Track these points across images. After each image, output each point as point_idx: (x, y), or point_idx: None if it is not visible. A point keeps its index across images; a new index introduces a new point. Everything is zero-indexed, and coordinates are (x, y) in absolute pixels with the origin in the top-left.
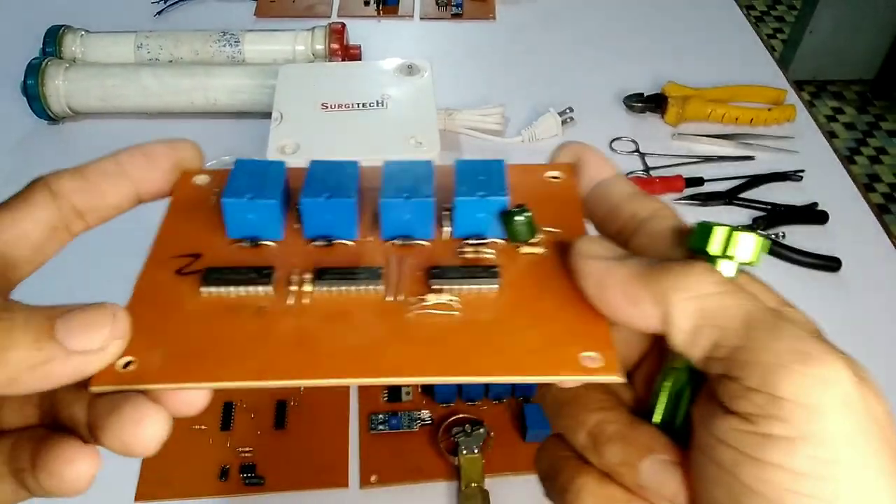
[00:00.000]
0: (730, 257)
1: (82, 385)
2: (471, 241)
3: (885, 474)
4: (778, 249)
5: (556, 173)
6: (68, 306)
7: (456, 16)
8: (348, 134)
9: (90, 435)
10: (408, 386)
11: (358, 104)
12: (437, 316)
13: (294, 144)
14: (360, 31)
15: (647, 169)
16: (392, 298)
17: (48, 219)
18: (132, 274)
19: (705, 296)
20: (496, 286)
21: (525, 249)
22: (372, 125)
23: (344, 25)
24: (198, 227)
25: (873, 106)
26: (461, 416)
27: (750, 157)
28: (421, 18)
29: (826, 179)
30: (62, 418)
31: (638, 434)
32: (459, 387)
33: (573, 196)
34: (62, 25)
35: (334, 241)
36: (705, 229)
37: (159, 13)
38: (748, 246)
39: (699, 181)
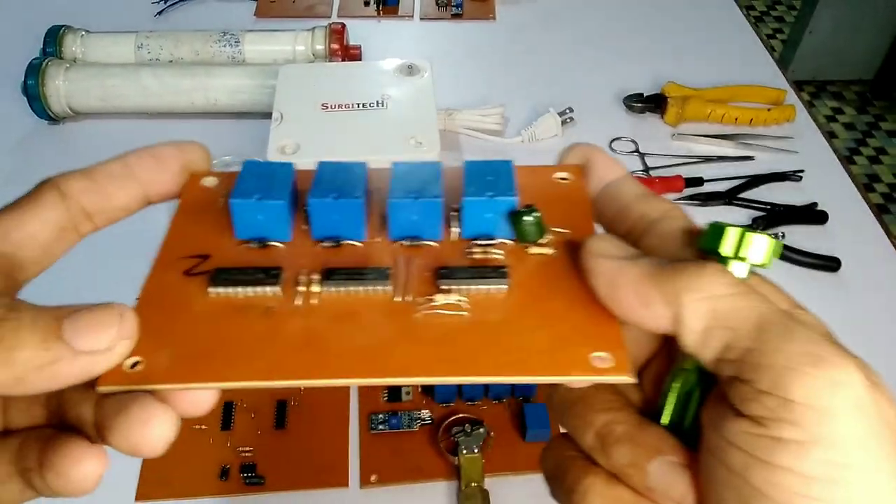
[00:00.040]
0: (742, 259)
1: (89, 385)
2: (479, 242)
3: None
4: None
5: (564, 174)
6: (75, 306)
7: (456, 16)
8: (348, 134)
9: (97, 435)
10: (408, 385)
11: (358, 104)
12: (445, 316)
13: (294, 144)
14: (360, 31)
15: (646, 169)
16: (400, 299)
17: (56, 220)
18: (135, 274)
19: (717, 297)
20: (505, 286)
21: (534, 250)
22: (372, 125)
23: (344, 25)
24: (206, 229)
25: (873, 106)
26: (461, 415)
27: (750, 157)
28: (421, 18)
29: (826, 179)
30: (69, 418)
31: (646, 435)
32: (459, 386)
33: (582, 197)
34: (62, 25)
35: (342, 242)
36: (717, 230)
37: (159, 13)
38: (761, 248)
39: (699, 181)
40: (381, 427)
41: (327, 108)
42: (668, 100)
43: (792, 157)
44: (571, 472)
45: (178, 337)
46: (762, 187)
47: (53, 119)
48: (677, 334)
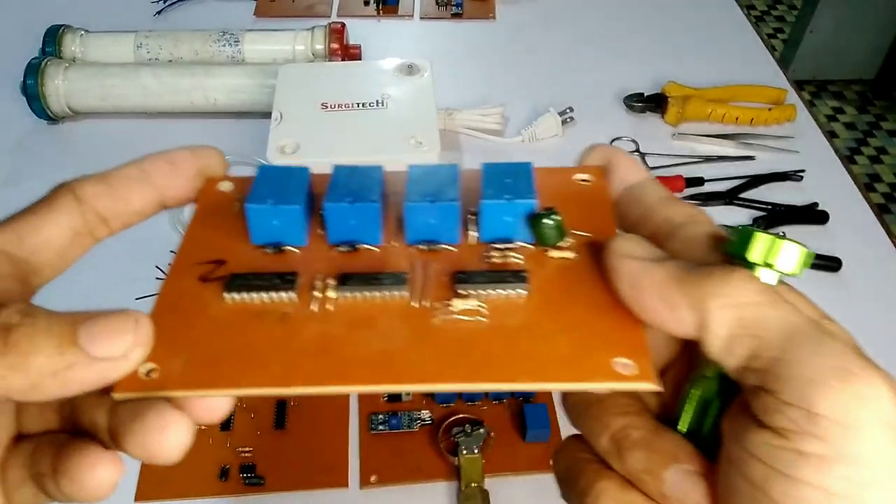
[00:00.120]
0: (770, 266)
1: (104, 391)
2: (498, 246)
3: None
4: None
5: (585, 176)
6: (91, 312)
7: (456, 15)
8: (348, 134)
9: (112, 441)
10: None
11: (358, 104)
12: (463, 322)
13: (294, 144)
14: (360, 30)
15: (647, 169)
16: (417, 304)
17: (72, 224)
18: (135, 274)
19: (745, 304)
20: (525, 291)
21: (554, 253)
22: (372, 125)
23: (344, 25)
24: (222, 234)
25: (874, 106)
26: (461, 416)
27: (750, 157)
28: (421, 18)
29: (826, 179)
30: (83, 423)
31: (663, 441)
32: None
33: (604, 199)
34: (62, 25)
35: (358, 247)
36: (746, 235)
37: (159, 13)
38: (792, 256)
39: (699, 181)
40: (381, 427)
41: (327, 107)
42: (669, 99)
43: (792, 156)
44: (584, 474)
45: (194, 343)
46: (763, 187)
47: (53, 119)
48: (701, 340)
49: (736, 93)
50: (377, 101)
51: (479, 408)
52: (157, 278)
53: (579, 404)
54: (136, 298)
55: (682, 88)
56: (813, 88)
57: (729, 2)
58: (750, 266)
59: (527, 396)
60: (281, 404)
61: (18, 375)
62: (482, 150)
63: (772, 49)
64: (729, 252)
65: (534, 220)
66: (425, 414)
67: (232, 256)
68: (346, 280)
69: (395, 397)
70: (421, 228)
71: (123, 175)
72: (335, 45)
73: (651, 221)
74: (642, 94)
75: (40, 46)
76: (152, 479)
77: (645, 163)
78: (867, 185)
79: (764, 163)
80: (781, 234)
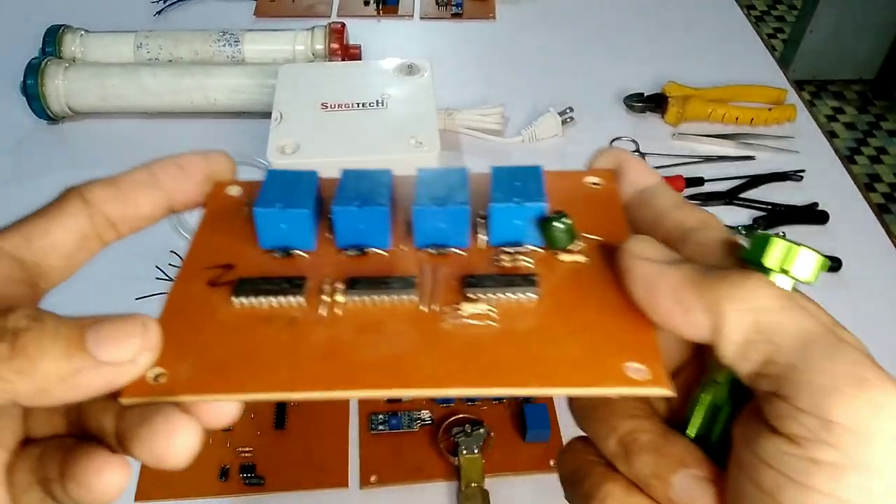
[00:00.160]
0: (786, 272)
1: (111, 395)
2: (507, 249)
3: None
4: None
5: (596, 179)
6: (99, 316)
7: (456, 15)
8: (348, 134)
9: (119, 445)
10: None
11: (358, 104)
12: (473, 326)
13: (294, 144)
14: (360, 30)
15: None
16: (426, 308)
17: (80, 228)
18: (135, 274)
19: (761, 309)
20: (535, 295)
21: (565, 257)
22: (372, 125)
23: (344, 25)
24: (230, 239)
25: (874, 106)
26: (461, 416)
27: (750, 157)
28: (421, 18)
29: (826, 179)
30: (90, 427)
31: (672, 446)
32: None
33: (615, 202)
34: (62, 25)
35: (367, 251)
36: (763, 241)
37: (159, 13)
38: (808, 264)
39: (699, 181)
40: (381, 427)
41: (327, 107)
42: (669, 99)
43: (792, 156)
44: (590, 477)
45: (202, 348)
46: (763, 187)
47: (52, 119)
48: (715, 344)
49: (736, 93)
50: (377, 101)
51: (479, 408)
52: (157, 278)
53: (586, 406)
54: (136, 298)
55: (682, 88)
56: (813, 88)
57: (729, 2)
58: (765, 271)
59: (527, 396)
60: (281, 404)
61: (26, 380)
62: (482, 151)
63: (772, 49)
64: (744, 257)
65: (544, 223)
66: (425, 414)
67: (240, 261)
68: (354, 284)
69: (394, 397)
70: (430, 232)
71: (132, 179)
72: (335, 45)
73: (662, 226)
74: (642, 94)
75: (40, 46)
76: (152, 478)
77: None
78: (867, 185)
79: (764, 163)
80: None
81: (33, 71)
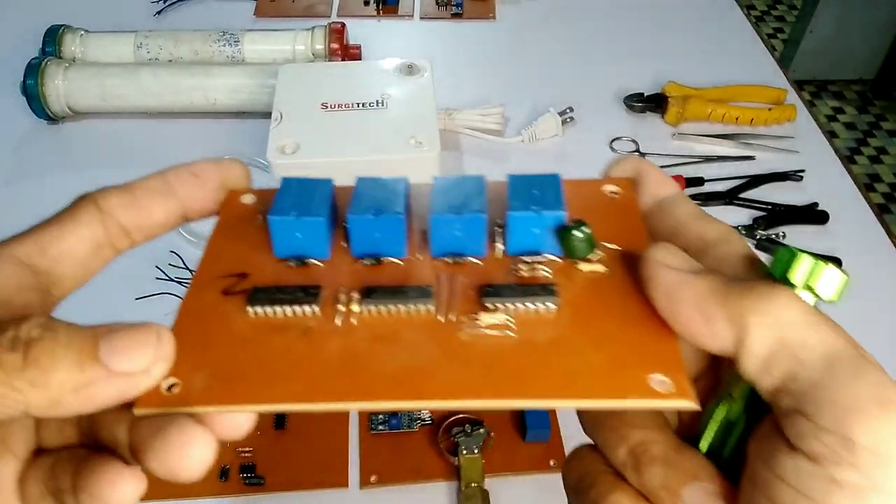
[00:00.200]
0: (811, 289)
1: (124, 405)
2: (526, 259)
3: None
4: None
5: (614, 188)
6: (111, 325)
7: (456, 15)
8: (348, 134)
9: (132, 457)
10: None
11: (358, 104)
12: (491, 336)
13: (294, 144)
14: (360, 30)
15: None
16: (443, 318)
17: (94, 235)
18: (139, 274)
19: (787, 324)
20: (554, 305)
21: (584, 267)
22: (372, 125)
23: (344, 25)
24: (244, 247)
25: (874, 106)
26: (461, 416)
27: (750, 157)
28: (421, 18)
29: (826, 179)
30: (103, 438)
31: (683, 459)
32: None
33: (634, 211)
34: (62, 25)
35: (382, 259)
36: (787, 256)
37: (159, 13)
38: (833, 282)
39: (699, 181)
40: (381, 427)
41: (327, 107)
42: (669, 99)
43: (792, 156)
44: (597, 486)
45: (216, 358)
46: (763, 187)
47: (52, 119)
48: (737, 357)
49: (736, 93)
50: (377, 101)
51: None
52: (157, 278)
53: (596, 414)
54: (136, 298)
55: (682, 88)
56: (813, 88)
57: (729, 2)
58: (789, 287)
59: None
60: None
61: (38, 391)
62: (482, 150)
63: (772, 49)
64: (769, 272)
65: (563, 232)
66: (425, 414)
67: (254, 269)
68: (370, 293)
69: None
70: (446, 241)
71: (147, 186)
72: (335, 45)
73: (682, 237)
74: (642, 94)
75: (40, 46)
76: (152, 478)
77: None
78: (867, 185)
79: (764, 163)
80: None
81: (33, 71)
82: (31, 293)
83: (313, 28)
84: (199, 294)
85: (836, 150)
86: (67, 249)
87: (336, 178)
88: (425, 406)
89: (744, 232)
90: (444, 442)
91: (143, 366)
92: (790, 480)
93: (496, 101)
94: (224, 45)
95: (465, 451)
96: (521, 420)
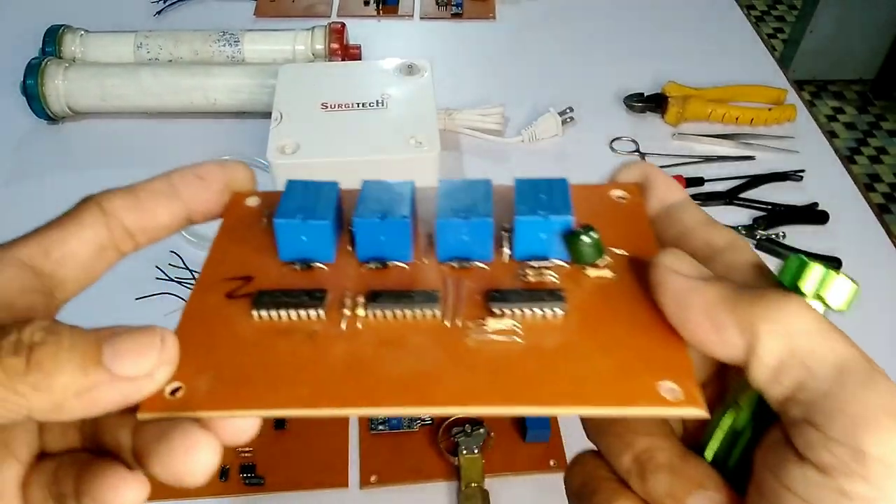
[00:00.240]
0: (821, 298)
1: (128, 409)
2: (533, 264)
3: None
4: (777, 250)
5: (622, 193)
6: (115, 328)
7: (456, 15)
8: (348, 134)
9: (136, 462)
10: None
11: (358, 104)
12: (498, 342)
13: (294, 144)
14: (360, 30)
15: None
16: (449, 323)
17: (97, 238)
18: (138, 274)
19: (799, 333)
20: (562, 311)
21: (592, 272)
22: (372, 125)
23: (344, 25)
24: (249, 250)
25: (874, 106)
26: (461, 415)
27: (750, 157)
28: (421, 18)
29: (826, 179)
30: (106, 443)
31: (689, 467)
32: None
33: (642, 217)
34: (62, 25)
35: (388, 263)
36: (798, 264)
37: (159, 13)
38: (843, 292)
39: (699, 181)
40: (381, 427)
41: (327, 107)
42: (669, 99)
43: (792, 156)
44: (600, 492)
45: (220, 362)
46: (763, 187)
47: (52, 119)
48: (747, 365)
49: (736, 93)
50: (377, 101)
51: None
52: (157, 278)
53: (600, 420)
54: (136, 298)
55: (682, 88)
56: (813, 88)
57: (729, 2)
58: (799, 295)
59: None
60: None
61: (41, 395)
62: (482, 150)
63: (772, 49)
64: (777, 280)
65: (571, 237)
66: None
67: (259, 272)
68: (375, 297)
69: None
70: (453, 245)
71: (151, 188)
72: (335, 45)
73: (689, 243)
74: (642, 94)
75: (40, 46)
76: (152, 478)
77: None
78: (867, 185)
79: (764, 163)
80: (835, 266)
81: (33, 71)
82: (34, 296)
83: (313, 28)
84: (202, 297)
85: (836, 150)
86: (71, 252)
87: (336, 179)
88: (432, 413)
89: (744, 232)
90: (444, 442)
91: (146, 370)
92: (798, 491)
93: (496, 101)
94: (224, 45)
95: (465, 451)
96: (521, 420)
